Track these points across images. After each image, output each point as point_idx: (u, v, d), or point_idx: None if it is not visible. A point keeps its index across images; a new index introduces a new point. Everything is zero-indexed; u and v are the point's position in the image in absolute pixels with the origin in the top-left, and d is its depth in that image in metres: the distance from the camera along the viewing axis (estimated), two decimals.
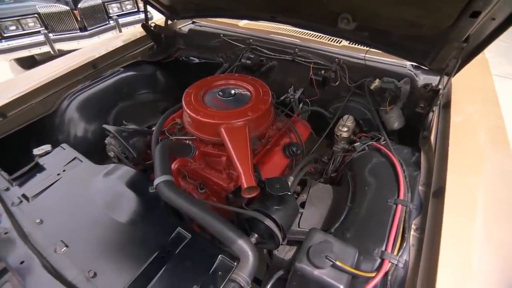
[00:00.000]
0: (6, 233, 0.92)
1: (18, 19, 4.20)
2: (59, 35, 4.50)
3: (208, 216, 0.89)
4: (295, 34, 2.02)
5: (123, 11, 5.06)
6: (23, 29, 4.28)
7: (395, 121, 1.51)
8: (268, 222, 0.96)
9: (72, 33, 4.57)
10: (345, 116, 1.62)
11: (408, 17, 1.11)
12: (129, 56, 2.06)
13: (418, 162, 1.18)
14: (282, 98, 1.80)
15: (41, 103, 1.61)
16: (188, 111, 1.32)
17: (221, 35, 2.08)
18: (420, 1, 1.01)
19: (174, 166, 1.26)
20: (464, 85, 1.44)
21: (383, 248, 0.89)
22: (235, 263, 0.84)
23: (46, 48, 4.43)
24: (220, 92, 1.45)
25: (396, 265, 0.85)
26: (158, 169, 1.01)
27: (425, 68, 1.44)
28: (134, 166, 1.40)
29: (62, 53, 3.89)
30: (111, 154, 1.43)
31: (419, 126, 1.38)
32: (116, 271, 0.85)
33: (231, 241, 0.85)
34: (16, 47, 4.29)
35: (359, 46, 1.78)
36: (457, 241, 0.81)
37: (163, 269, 0.84)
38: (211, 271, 0.83)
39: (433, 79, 1.43)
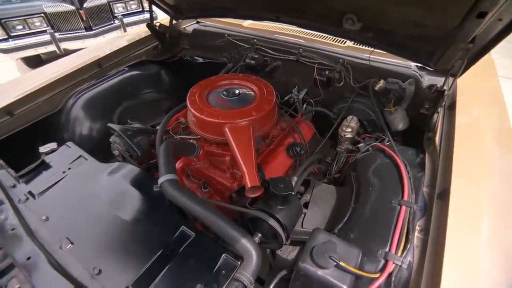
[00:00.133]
0: (13, 229, 0.94)
1: (25, 19, 4.25)
2: (64, 34, 4.55)
3: (212, 215, 0.89)
4: (299, 35, 2.02)
5: (127, 10, 5.10)
6: (30, 29, 4.33)
7: (399, 122, 1.50)
8: (272, 222, 0.96)
9: (78, 32, 4.62)
10: (349, 117, 1.62)
11: (413, 17, 1.11)
12: (133, 55, 2.08)
13: (423, 163, 1.17)
14: (286, 98, 1.80)
15: (47, 102, 1.63)
16: (193, 110, 1.33)
17: (226, 35, 2.08)
18: (426, 1, 1.01)
19: (178, 165, 1.27)
20: (469, 86, 1.43)
21: (387, 249, 0.89)
22: (239, 262, 0.84)
23: (52, 47, 4.48)
24: (224, 92, 1.46)
25: (400, 266, 0.85)
26: (163, 168, 1.01)
27: (430, 69, 1.43)
28: (138, 164, 1.40)
29: (67, 52, 3.93)
30: (116, 152, 1.44)
31: (423, 127, 1.37)
32: (121, 268, 0.86)
33: (235, 240, 0.85)
34: (22, 46, 4.34)
35: (363, 47, 1.78)
36: (462, 243, 0.81)
37: (167, 267, 0.84)
38: (214, 270, 0.83)
39: (438, 80, 1.43)
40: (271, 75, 1.96)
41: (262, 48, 1.95)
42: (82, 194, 1.11)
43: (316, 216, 1.19)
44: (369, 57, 1.66)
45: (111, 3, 4.84)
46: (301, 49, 1.82)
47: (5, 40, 4.24)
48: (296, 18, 1.52)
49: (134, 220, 1.00)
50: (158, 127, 1.41)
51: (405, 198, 1.01)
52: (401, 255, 0.87)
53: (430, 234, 0.89)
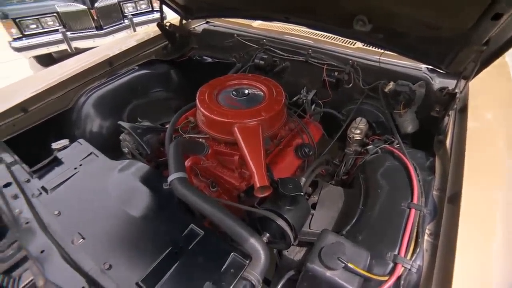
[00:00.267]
0: (27, 223, 0.96)
1: (38, 18, 4.35)
2: (76, 33, 4.64)
3: (221, 214, 0.90)
4: (308, 35, 2.02)
5: (137, 10, 5.17)
6: (43, 28, 4.43)
7: (409, 124, 1.49)
8: (280, 222, 0.97)
9: (89, 31, 4.70)
10: (358, 119, 1.61)
11: (426, 18, 1.09)
12: (143, 54, 2.10)
13: (433, 166, 1.16)
14: (294, 99, 1.80)
15: (59, 99, 1.67)
16: (202, 109, 1.34)
17: (235, 35, 2.09)
18: (439, 2, 0.99)
19: (187, 163, 1.28)
20: (482, 89, 1.40)
21: (396, 252, 0.88)
22: (247, 261, 0.84)
23: (63, 46, 4.57)
24: (234, 92, 1.47)
25: (409, 269, 0.84)
26: (172, 166, 1.02)
27: (441, 71, 1.41)
28: (147, 162, 1.42)
29: (78, 51, 4.01)
30: (125, 150, 1.46)
31: (433, 130, 1.35)
32: (130, 264, 0.87)
33: (244, 239, 0.85)
34: (35, 45, 4.45)
35: (373, 48, 1.76)
36: (473, 248, 0.80)
37: (176, 264, 0.85)
38: (223, 268, 0.83)
39: (449, 83, 1.41)
40: (280, 76, 1.96)
41: (271, 48, 1.95)
42: (93, 191, 1.13)
43: (324, 217, 1.19)
44: (379, 58, 1.64)
45: (121, 3, 4.91)
46: (310, 50, 1.81)
47: (19, 39, 4.34)
48: (305, 19, 1.52)
49: (144, 217, 1.01)
50: (167, 126, 1.43)
51: (415, 201, 1.00)
52: (410, 259, 0.86)
53: (440, 238, 0.88)
